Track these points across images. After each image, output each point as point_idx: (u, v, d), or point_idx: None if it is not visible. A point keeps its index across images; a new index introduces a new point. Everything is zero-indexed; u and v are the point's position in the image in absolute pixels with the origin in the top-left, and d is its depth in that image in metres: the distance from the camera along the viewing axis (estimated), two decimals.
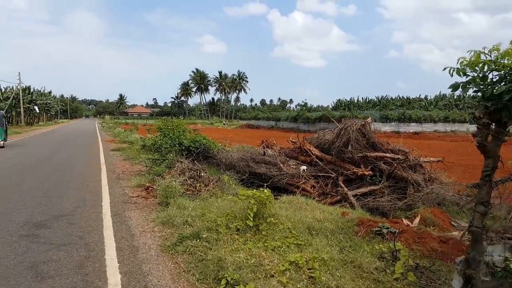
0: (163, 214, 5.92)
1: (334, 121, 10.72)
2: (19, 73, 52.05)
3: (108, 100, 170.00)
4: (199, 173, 8.38)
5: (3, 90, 53.12)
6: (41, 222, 5.58)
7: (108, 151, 16.91)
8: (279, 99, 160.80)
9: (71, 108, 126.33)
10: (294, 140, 10.52)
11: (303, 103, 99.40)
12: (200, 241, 4.56)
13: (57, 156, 14.60)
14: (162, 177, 8.78)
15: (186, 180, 8.21)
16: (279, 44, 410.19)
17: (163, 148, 10.27)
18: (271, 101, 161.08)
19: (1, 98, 50.96)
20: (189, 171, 8.64)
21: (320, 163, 8.94)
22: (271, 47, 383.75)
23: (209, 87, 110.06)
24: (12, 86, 54.74)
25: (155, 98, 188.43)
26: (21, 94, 51.95)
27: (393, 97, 74.11)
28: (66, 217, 5.89)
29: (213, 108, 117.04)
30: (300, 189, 8.43)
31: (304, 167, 8.88)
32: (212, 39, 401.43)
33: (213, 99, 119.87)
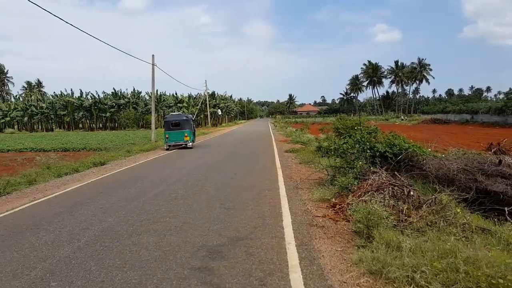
0: (368, 256, 4.19)
1: None
2: (205, 80, 61.44)
3: (278, 100, 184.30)
4: (407, 191, 6.24)
5: (194, 97, 64.11)
6: (217, 247, 4.78)
7: (282, 152, 16.67)
8: (472, 87, 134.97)
9: (247, 110, 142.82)
10: None
11: (510, 91, 79.28)
12: None
13: (236, 156, 15.19)
14: (350, 191, 7.13)
15: (386, 199, 6.27)
16: (470, 23, 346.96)
17: (348, 153, 8.58)
18: (460, 90, 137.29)
19: (193, 104, 61.57)
20: (390, 187, 6.61)
21: None
22: (459, 27, 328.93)
23: (383, 80, 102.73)
24: (200, 93, 65.27)
25: (323, 96, 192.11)
26: (207, 99, 61.29)
27: None
28: (244, 242, 4.94)
29: (387, 102, 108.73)
30: None
31: None
32: (385, 28, 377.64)
33: (387, 92, 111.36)
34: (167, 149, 20.20)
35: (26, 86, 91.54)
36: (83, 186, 9.74)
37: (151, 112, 29.92)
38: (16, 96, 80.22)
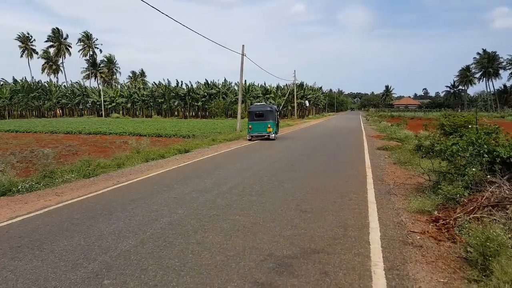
0: None
1: None
2: (294, 71, 60.70)
3: (373, 92, 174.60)
4: None
5: (282, 87, 63.96)
6: (286, 259, 4.15)
7: (373, 149, 15.22)
8: None
9: (337, 102, 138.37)
10: None
11: None
12: None
13: (320, 152, 14.31)
14: (459, 203, 5.86)
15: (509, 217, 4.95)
16: None
17: (458, 156, 7.11)
18: None
19: (280, 95, 61.49)
20: None
21: None
22: None
23: (500, 72, 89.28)
24: (288, 84, 64.83)
25: (425, 88, 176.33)
26: (295, 90, 60.63)
27: None
28: (319, 257, 4.22)
29: (503, 97, 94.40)
30: None
31: None
32: (506, 11, 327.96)
33: (504, 86, 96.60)
34: (249, 140, 20.20)
35: (131, 75, 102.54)
36: (164, 172, 10.00)
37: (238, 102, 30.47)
38: (121, 84, 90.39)
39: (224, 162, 11.80)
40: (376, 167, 10.59)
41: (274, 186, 7.95)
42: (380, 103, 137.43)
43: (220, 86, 69.43)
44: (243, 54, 29.18)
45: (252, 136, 20.32)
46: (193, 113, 73.51)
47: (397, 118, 42.00)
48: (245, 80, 68.64)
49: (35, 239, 4.79)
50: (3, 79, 67.01)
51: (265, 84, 68.46)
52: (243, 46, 29.07)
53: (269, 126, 19.85)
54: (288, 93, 61.84)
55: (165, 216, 5.75)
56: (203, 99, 66.79)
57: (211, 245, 4.53)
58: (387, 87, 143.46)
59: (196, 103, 67.43)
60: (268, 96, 65.47)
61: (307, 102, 67.61)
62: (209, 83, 69.68)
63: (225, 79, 76.16)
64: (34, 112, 68.06)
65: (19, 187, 7.68)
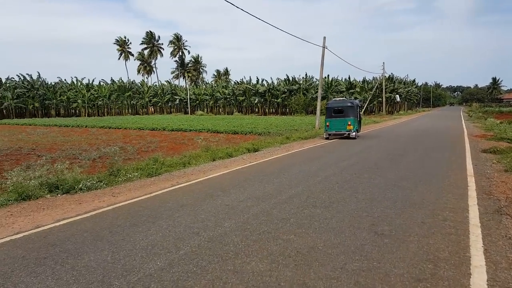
0: None
1: None
2: (383, 63, 56.59)
3: (476, 85, 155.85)
4: None
5: (368, 81, 60.14)
6: None
7: (477, 152, 12.75)
8: None
9: (433, 96, 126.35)
10: None
11: None
12: None
13: (408, 155, 12.39)
14: None
15: None
16: None
17: None
18: None
19: (366, 89, 57.83)
20: None
21: None
22: None
23: None
24: (376, 77, 60.69)
25: None
26: (383, 83, 56.43)
27: None
28: None
29: None
30: None
31: None
32: None
33: None
34: (326, 138, 18.81)
35: (215, 74, 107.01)
36: (226, 174, 9.41)
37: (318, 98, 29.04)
38: (206, 82, 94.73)
39: (292, 164, 10.79)
40: (481, 175, 8.57)
41: (346, 197, 6.72)
42: (485, 98, 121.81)
43: (301, 82, 68.18)
44: (324, 47, 27.71)
45: (329, 135, 18.89)
46: (273, 110, 73.58)
47: (507, 114, 36.00)
48: (327, 75, 66.28)
49: (65, 250, 4.43)
50: (103, 80, 75.13)
51: (349, 78, 65.10)
52: (324, 38, 27.61)
53: (349, 123, 18.21)
54: (375, 87, 57.86)
55: (209, 229, 5.02)
56: (283, 95, 66.29)
57: (250, 277, 3.62)
58: (494, 79, 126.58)
59: (275, 100, 67.27)
60: (352, 91, 62.24)
61: (397, 96, 62.49)
62: (290, 79, 68.90)
63: (306, 74, 74.58)
64: (129, 110, 75.00)
65: (80, 186, 7.74)
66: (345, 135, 18.54)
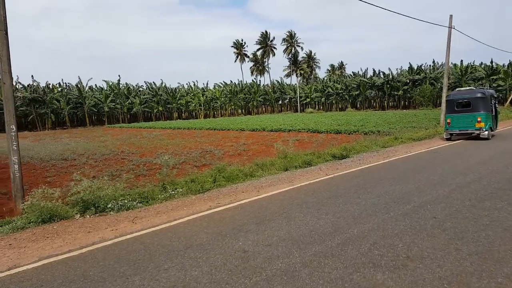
0: None
1: None
2: None
3: None
4: None
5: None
6: None
7: None
8: None
9: None
10: None
11: None
12: None
13: None
14: None
15: None
16: None
17: None
18: None
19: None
20: None
21: None
22: None
23: None
24: None
25: None
26: None
27: None
28: None
29: None
30: None
31: None
32: None
33: None
34: (447, 139, 14.95)
35: (329, 69, 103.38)
36: (282, 193, 7.48)
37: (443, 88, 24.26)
38: (318, 79, 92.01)
39: (379, 180, 8.17)
40: None
41: (439, 247, 4.18)
42: None
43: (427, 71, 60.11)
44: (450, 27, 22.99)
45: (451, 134, 14.98)
46: (393, 104, 66.85)
47: None
48: (461, 60, 56.74)
49: None
50: (221, 82, 79.63)
51: (492, 62, 54.21)
52: (450, 16, 23.02)
53: (478, 119, 14.05)
54: None
55: None
56: (405, 87, 59.45)
57: None
58: None
59: (395, 92, 60.81)
60: (494, 77, 51.86)
61: None
62: (414, 68, 61.41)
63: (434, 61, 65.33)
64: (242, 110, 77.78)
65: (108, 205, 6.90)
66: (473, 134, 14.42)
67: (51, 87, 56.49)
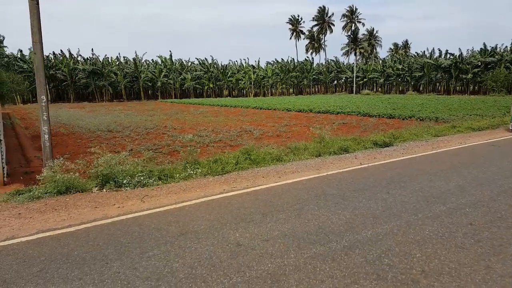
0: None
1: None
2: None
3: None
4: None
5: None
6: None
7: None
8: None
9: None
10: None
11: None
12: None
13: None
14: None
15: None
16: None
17: None
18: None
19: None
20: None
21: None
22: None
23: None
24: None
25: None
26: None
27: None
28: None
29: None
30: None
31: None
32: None
33: None
34: None
35: (392, 48, 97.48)
36: (304, 181, 6.94)
37: None
38: (379, 58, 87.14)
39: (419, 173, 7.27)
40: None
41: (467, 262, 3.47)
42: None
43: (504, 53, 54.23)
44: None
45: None
46: (461, 88, 61.63)
47: None
48: None
49: None
50: (273, 60, 78.44)
51: None
52: None
53: None
54: None
55: None
56: (475, 69, 54.30)
57: None
58: None
59: (464, 76, 55.84)
60: None
61: None
62: (488, 49, 55.71)
63: None
64: (294, 90, 76.30)
65: (124, 181, 6.85)
66: None
67: (110, 60, 59.35)
